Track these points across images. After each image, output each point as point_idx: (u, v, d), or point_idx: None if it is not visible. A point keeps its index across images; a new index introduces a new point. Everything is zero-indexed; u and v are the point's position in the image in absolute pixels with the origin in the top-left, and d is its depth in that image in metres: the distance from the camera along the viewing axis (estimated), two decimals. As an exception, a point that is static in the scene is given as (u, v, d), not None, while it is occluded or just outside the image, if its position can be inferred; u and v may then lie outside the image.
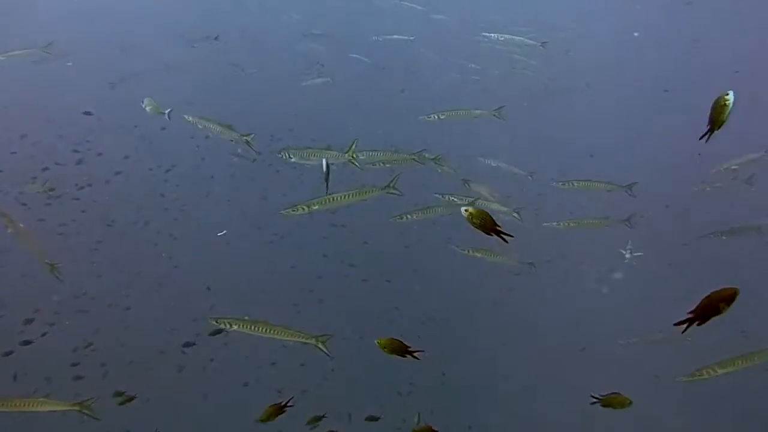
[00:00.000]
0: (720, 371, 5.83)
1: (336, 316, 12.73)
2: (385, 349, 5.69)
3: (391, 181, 7.04)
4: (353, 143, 7.28)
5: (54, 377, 10.71)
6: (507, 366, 13.98)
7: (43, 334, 11.03)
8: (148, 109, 9.36)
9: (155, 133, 15.08)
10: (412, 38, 18.45)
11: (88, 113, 14.07)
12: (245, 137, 7.93)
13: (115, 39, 18.72)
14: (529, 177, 13.53)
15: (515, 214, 9.62)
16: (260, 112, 16.57)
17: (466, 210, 4.85)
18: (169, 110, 9.19)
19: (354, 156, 7.25)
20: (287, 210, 6.68)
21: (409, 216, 8.79)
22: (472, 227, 4.90)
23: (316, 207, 6.70)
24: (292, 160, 7.22)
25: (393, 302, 14.34)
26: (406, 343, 5.72)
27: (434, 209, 9.00)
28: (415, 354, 5.68)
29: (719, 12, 22.20)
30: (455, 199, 9.12)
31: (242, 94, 17.32)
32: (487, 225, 4.84)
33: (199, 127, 8.00)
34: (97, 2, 20.07)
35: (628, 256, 10.98)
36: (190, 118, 7.98)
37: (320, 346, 6.46)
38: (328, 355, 6.47)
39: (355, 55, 19.77)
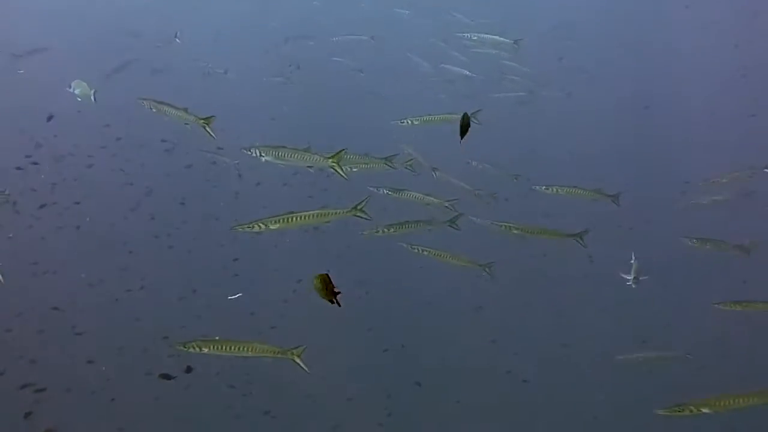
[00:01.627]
0: (704, 410, 5.24)
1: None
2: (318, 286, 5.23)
3: (360, 203, 6.44)
4: (341, 151, 6.64)
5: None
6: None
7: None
8: (77, 92, 8.87)
9: (124, 136, 14.66)
10: (371, 37, 18.16)
11: (50, 118, 13.59)
12: (202, 121, 7.31)
13: (94, 37, 18.35)
14: (514, 179, 13.42)
15: (448, 206, 9.16)
16: (237, 115, 16.18)
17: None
18: (94, 91, 8.74)
19: (338, 163, 6.61)
20: (242, 226, 6.20)
21: (386, 230, 8.35)
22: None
23: (275, 226, 6.17)
24: (264, 159, 6.60)
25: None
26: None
27: (415, 223, 8.62)
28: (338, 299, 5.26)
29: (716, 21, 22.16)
30: (389, 192, 8.79)
31: (219, 96, 16.85)
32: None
33: (153, 110, 7.40)
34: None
35: (630, 282, 9.31)
36: (145, 103, 7.41)
37: (296, 359, 6.11)
38: (304, 369, 6.11)
39: (337, 59, 19.47)
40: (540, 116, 19.05)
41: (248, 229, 6.18)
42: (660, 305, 14.03)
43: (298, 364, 6.14)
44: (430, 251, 8.70)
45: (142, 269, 13.39)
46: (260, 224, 6.17)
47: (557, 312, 14.95)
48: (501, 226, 8.51)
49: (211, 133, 7.40)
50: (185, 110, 7.39)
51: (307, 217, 6.28)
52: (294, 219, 6.22)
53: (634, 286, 9.23)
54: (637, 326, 14.02)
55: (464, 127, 6.12)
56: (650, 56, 23.18)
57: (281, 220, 6.20)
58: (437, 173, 11.58)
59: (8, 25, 17.21)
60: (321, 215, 6.35)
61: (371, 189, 8.62)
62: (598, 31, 23.17)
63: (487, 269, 9.03)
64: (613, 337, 13.82)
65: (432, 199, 9.15)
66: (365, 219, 6.59)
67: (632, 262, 9.29)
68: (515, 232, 8.45)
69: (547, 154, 18.07)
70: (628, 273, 9.31)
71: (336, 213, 6.38)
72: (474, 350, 13.94)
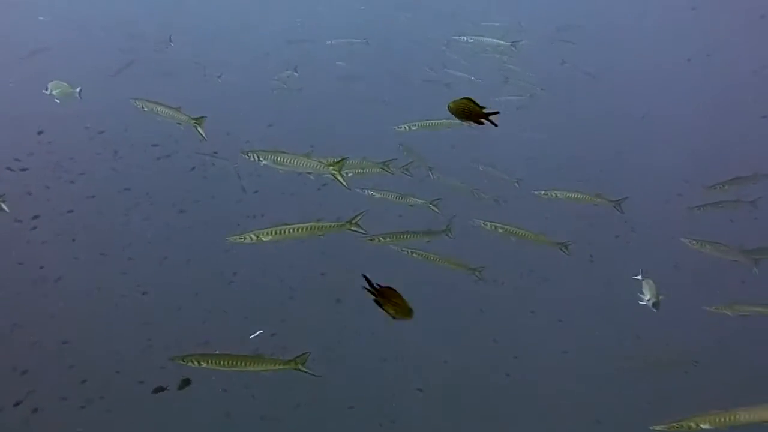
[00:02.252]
0: (704, 426, 4.98)
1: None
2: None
3: (355, 217, 6.39)
4: (342, 159, 6.56)
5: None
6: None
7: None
8: (55, 92, 8.60)
9: (120, 141, 14.55)
10: (365, 41, 18.12)
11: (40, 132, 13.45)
12: (194, 120, 7.32)
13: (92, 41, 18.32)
14: (516, 184, 13.63)
15: (433, 207, 9.22)
16: (237, 118, 16.11)
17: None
18: (79, 89, 8.58)
19: (339, 171, 6.52)
20: (234, 237, 6.15)
21: (382, 239, 8.21)
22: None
23: (267, 238, 6.13)
24: (263, 163, 6.50)
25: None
26: None
27: (412, 234, 8.51)
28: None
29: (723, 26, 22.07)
30: (374, 194, 8.88)
31: (220, 100, 16.77)
32: (473, 112, 4.43)
33: (145, 110, 7.42)
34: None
35: (646, 300, 8.07)
36: (137, 103, 7.43)
37: (301, 368, 6.05)
38: (313, 375, 6.07)
39: (340, 63, 19.40)
40: (542, 119, 18.93)
41: (240, 241, 6.12)
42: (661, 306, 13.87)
43: (305, 372, 6.08)
44: (420, 254, 8.61)
45: (141, 276, 13.27)
46: (252, 236, 6.11)
47: (557, 313, 14.77)
48: (486, 225, 8.41)
49: (202, 134, 7.39)
50: (177, 109, 7.41)
51: (300, 230, 6.21)
52: (287, 231, 6.17)
53: (655, 310, 8.10)
54: (637, 326, 13.88)
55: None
56: (654, 58, 23.07)
57: (274, 233, 6.16)
58: (433, 173, 11.75)
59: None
60: (315, 228, 6.26)
61: (357, 191, 8.63)
62: (603, 33, 23.13)
63: (477, 272, 8.95)
64: (613, 338, 13.85)
65: (416, 200, 9.16)
66: (360, 233, 6.51)
67: (640, 278, 8.21)
68: (500, 231, 8.35)
69: (548, 157, 17.96)
70: (645, 294, 8.16)
71: (330, 226, 6.31)
72: (475, 354, 13.78)
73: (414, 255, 8.60)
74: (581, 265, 14.06)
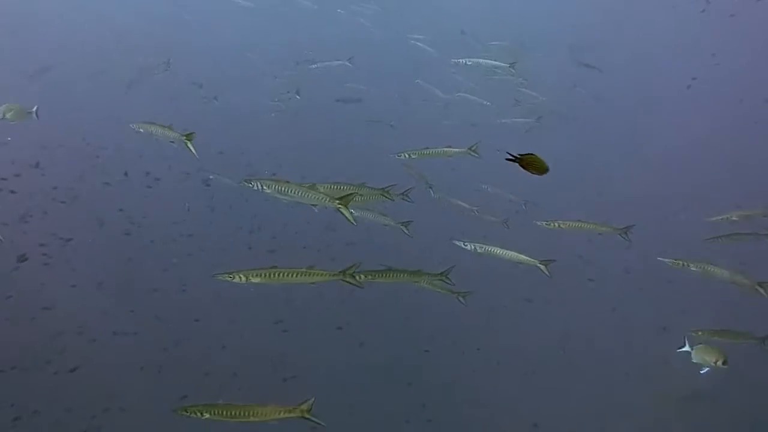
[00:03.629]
0: None
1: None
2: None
3: (350, 268, 6.22)
4: (350, 193, 6.43)
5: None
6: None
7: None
8: (8, 116, 8.50)
9: (117, 164, 14.60)
10: (348, 62, 18.05)
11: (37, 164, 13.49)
12: (184, 137, 7.45)
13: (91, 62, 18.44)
14: (523, 206, 14.03)
15: (404, 229, 8.92)
16: (239, 145, 16.13)
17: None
18: (35, 107, 8.58)
19: (345, 206, 6.38)
20: (222, 275, 5.97)
21: (362, 276, 7.79)
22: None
23: (257, 279, 5.96)
24: (267, 191, 6.31)
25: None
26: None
27: (397, 273, 8.24)
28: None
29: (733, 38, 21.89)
30: (353, 212, 8.57)
31: (219, 124, 16.77)
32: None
33: (140, 131, 7.67)
34: (77, 23, 19.90)
35: (713, 364, 7.27)
36: (134, 125, 7.73)
37: (307, 416, 5.82)
38: (319, 424, 5.84)
39: (349, 85, 19.35)
40: (551, 142, 18.81)
41: (229, 279, 5.96)
42: (659, 327, 13.55)
43: (311, 420, 5.86)
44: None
45: (140, 304, 13.13)
46: (242, 276, 5.96)
47: (560, 338, 14.57)
48: (467, 246, 8.22)
49: (193, 150, 7.48)
50: (169, 127, 7.62)
51: (291, 275, 6.05)
52: (277, 275, 6.01)
53: (725, 366, 7.34)
54: (638, 349, 13.76)
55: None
56: (664, 81, 22.91)
57: (264, 275, 5.99)
58: (435, 191, 11.99)
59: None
60: (307, 275, 6.09)
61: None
62: (615, 54, 23.01)
63: (461, 297, 8.85)
64: (616, 362, 13.75)
65: (390, 220, 8.98)
66: (356, 285, 6.33)
67: (688, 349, 7.49)
68: (479, 251, 8.15)
69: (557, 180, 17.79)
70: (707, 360, 7.34)
71: (323, 274, 6.15)
72: (478, 376, 13.66)
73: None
74: (583, 284, 13.96)
